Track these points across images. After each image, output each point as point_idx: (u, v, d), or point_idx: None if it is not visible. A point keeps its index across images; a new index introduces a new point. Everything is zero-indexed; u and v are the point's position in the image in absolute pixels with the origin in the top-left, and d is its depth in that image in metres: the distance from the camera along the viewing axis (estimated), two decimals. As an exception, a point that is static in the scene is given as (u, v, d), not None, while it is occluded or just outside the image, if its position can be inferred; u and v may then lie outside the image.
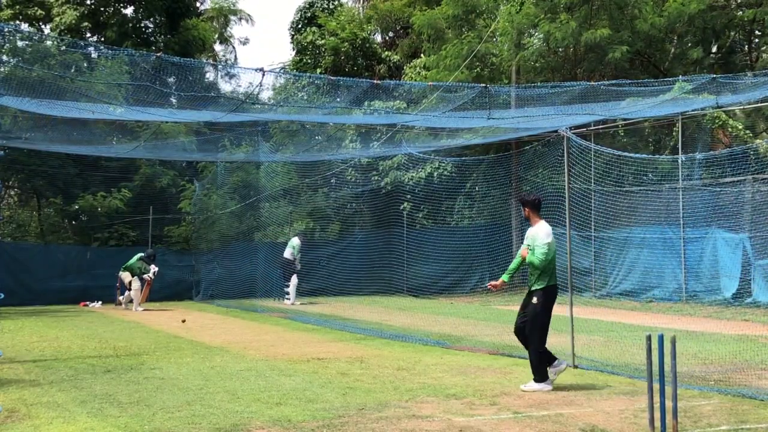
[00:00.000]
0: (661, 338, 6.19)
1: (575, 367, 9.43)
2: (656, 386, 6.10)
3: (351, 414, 6.96)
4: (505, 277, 8.49)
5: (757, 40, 27.10)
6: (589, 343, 11.33)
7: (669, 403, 6.02)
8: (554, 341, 11.88)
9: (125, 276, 19.91)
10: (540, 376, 8.18)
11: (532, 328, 8.22)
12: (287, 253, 21.04)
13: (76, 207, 25.15)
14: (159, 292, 22.90)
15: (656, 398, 6.09)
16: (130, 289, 19.76)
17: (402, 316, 16.90)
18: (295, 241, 21.13)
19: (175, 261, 23.82)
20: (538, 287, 8.26)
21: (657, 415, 6.06)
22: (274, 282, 21.83)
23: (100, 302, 20.75)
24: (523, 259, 8.38)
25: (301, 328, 14.89)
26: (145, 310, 19.32)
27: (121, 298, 20.32)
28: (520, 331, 8.40)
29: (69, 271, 21.86)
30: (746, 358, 9.95)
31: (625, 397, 7.67)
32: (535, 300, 8.25)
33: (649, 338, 6.25)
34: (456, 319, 16.15)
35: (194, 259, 24.05)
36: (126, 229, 24.45)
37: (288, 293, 20.88)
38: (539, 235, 8.32)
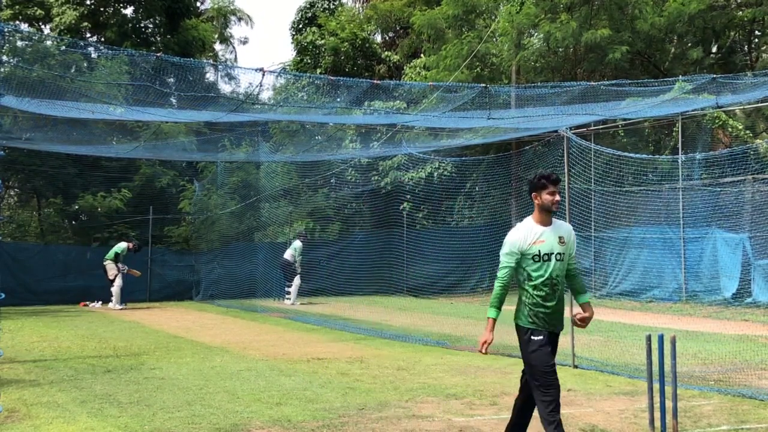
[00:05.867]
0: (661, 338, 6.18)
1: (575, 367, 9.42)
2: (656, 386, 6.10)
3: (351, 414, 6.96)
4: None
5: (757, 40, 27.10)
6: (589, 343, 11.33)
7: (669, 403, 6.02)
8: (554, 341, 11.93)
9: (111, 268, 19.96)
10: None
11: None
12: (287, 254, 21.03)
13: (76, 207, 25.15)
14: (159, 292, 22.94)
15: (656, 398, 6.09)
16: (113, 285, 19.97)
17: (402, 316, 16.89)
18: (297, 244, 21.10)
19: (175, 261, 23.83)
20: None
21: (657, 415, 6.06)
22: (274, 282, 21.82)
23: (100, 302, 20.74)
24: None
25: (301, 328, 14.89)
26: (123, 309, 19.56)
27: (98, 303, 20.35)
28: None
29: (69, 271, 21.86)
30: (746, 358, 9.95)
31: (625, 397, 7.66)
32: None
33: (649, 338, 6.25)
34: (456, 319, 16.13)
35: (194, 259, 24.05)
36: (126, 229, 24.44)
37: (289, 293, 20.88)
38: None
